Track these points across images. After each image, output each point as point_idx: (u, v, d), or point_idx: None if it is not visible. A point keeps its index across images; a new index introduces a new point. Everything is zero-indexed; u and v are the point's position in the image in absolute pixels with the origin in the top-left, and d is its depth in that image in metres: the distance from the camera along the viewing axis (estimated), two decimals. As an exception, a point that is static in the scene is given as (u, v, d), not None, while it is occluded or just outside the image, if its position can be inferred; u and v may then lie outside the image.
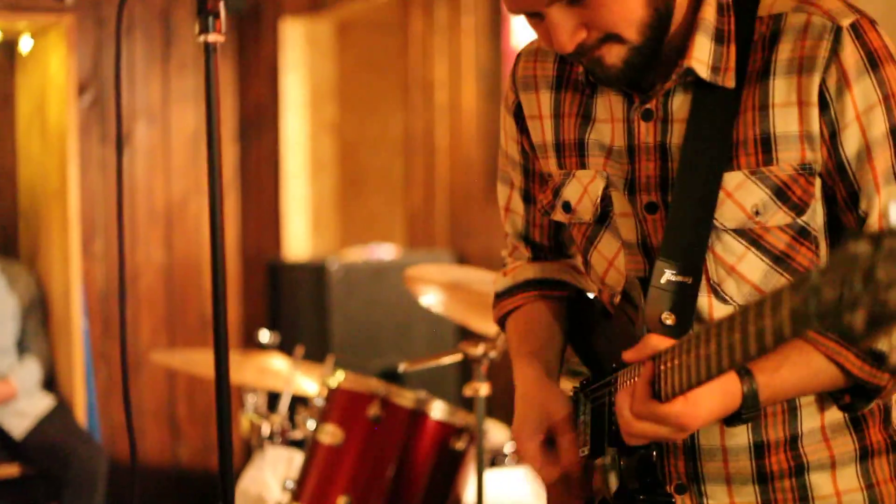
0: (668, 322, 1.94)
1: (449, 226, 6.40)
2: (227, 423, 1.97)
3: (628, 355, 1.88)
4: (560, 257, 2.38)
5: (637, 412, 1.83)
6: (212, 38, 1.91)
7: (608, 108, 2.09)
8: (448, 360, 3.77)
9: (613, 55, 1.93)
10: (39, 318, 6.38)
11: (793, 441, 2.03)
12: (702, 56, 1.97)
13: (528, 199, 2.33)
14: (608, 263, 2.14)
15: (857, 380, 1.91)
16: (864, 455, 2.05)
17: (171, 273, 7.41)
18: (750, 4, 2.00)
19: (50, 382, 6.32)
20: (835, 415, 2.03)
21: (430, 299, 4.06)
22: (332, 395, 3.82)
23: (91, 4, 6.93)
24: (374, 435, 3.76)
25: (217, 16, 1.91)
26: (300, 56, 7.49)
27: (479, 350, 3.63)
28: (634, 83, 2.02)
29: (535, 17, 1.94)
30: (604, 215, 2.11)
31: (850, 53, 1.89)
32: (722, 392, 1.84)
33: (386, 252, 6.47)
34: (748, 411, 1.87)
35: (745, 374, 1.86)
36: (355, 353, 5.90)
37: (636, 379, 1.86)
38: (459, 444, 3.77)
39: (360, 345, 6.05)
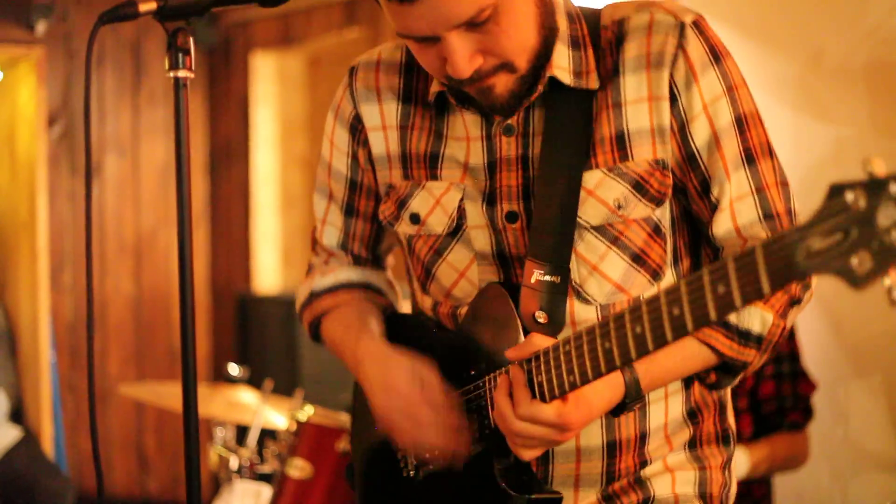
0: (541, 320, 1.98)
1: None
2: (196, 457, 1.97)
3: (510, 353, 1.89)
4: (377, 269, 2.39)
5: (520, 414, 1.85)
6: (182, 73, 1.91)
7: (462, 126, 2.11)
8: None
9: (502, 84, 1.96)
10: (7, 349, 6.35)
11: (642, 439, 2.09)
12: (562, 63, 2.02)
13: (349, 211, 2.32)
14: (459, 275, 2.14)
15: (726, 358, 1.98)
16: (694, 442, 2.14)
17: (140, 305, 7.39)
18: (593, 14, 2.08)
19: (17, 414, 6.28)
20: (674, 412, 2.11)
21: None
22: (301, 429, 3.81)
23: (61, 36, 6.93)
24: (343, 469, 3.76)
25: (187, 52, 1.91)
26: (271, 90, 7.50)
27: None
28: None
29: (428, 42, 1.92)
30: (457, 227, 2.12)
31: (695, 48, 1.99)
32: (606, 385, 1.89)
33: (355, 285, 6.46)
34: (632, 399, 1.93)
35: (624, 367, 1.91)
36: (325, 387, 5.89)
37: (511, 382, 1.89)
38: (428, 479, 3.77)
39: (329, 378, 6.03)
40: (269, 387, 4.31)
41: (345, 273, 2.34)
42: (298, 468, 3.78)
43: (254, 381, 4.79)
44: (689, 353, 1.97)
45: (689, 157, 2.01)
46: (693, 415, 2.13)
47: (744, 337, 1.97)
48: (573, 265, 2.02)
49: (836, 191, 1.34)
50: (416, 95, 2.18)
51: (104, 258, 7.30)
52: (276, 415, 4.43)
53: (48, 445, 6.23)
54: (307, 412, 3.83)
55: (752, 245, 1.47)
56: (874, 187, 1.30)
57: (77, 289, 7.14)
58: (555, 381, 1.82)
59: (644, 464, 2.10)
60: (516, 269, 2.08)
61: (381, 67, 2.24)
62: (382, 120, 2.21)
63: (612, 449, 2.08)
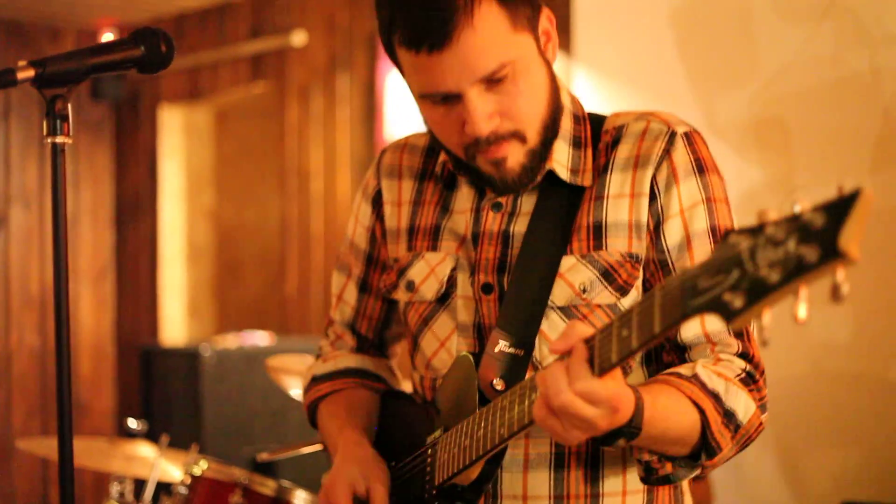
0: (499, 388, 2.00)
1: (323, 313, 6.43)
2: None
3: (556, 345, 1.76)
4: (380, 355, 2.46)
5: (577, 389, 1.71)
6: (60, 139, 1.94)
7: (463, 200, 2.20)
8: (308, 449, 3.79)
9: (514, 157, 2.04)
10: None
11: (594, 499, 2.08)
12: (561, 159, 2.11)
13: (363, 288, 2.40)
14: (440, 345, 2.20)
15: (708, 433, 1.92)
16: None
17: (45, 358, 7.34)
18: (598, 120, 2.18)
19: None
20: (634, 483, 2.09)
21: (296, 389, 4.09)
22: (195, 483, 3.82)
23: (-34, 89, 6.90)
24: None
25: (66, 118, 1.94)
26: (178, 143, 7.52)
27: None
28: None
29: (449, 102, 2.01)
30: (445, 295, 2.18)
31: (681, 155, 2.07)
32: (627, 389, 1.80)
33: (260, 339, 6.48)
34: (636, 425, 1.81)
35: (634, 389, 1.84)
36: (227, 441, 5.89)
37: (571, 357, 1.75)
38: (323, 532, 3.78)
39: (232, 432, 6.04)
40: (166, 441, 4.31)
41: (344, 360, 2.41)
42: (192, 522, 3.78)
43: (156, 435, 4.78)
44: (682, 408, 1.91)
45: (659, 256, 2.06)
46: (651, 492, 2.12)
47: (727, 416, 1.93)
48: (537, 342, 2.06)
49: (726, 235, 1.44)
50: (431, 174, 2.28)
51: (9, 310, 7.26)
52: (174, 469, 4.42)
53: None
54: (201, 466, 3.84)
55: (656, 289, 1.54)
56: (755, 231, 1.38)
57: (-20, 342, 7.09)
58: (598, 357, 1.72)
59: None
60: (493, 330, 2.09)
61: (406, 148, 2.34)
62: (399, 196, 2.30)
63: (559, 501, 2.08)
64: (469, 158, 2.08)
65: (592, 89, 4.90)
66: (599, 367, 1.69)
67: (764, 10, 4.37)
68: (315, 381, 2.42)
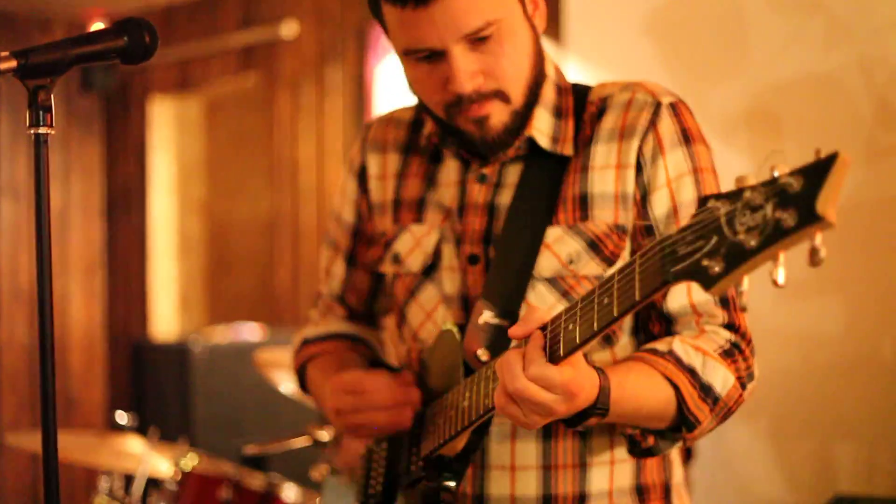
0: (484, 358, 2.00)
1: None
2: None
3: (515, 330, 1.80)
4: (370, 326, 2.46)
5: (531, 374, 1.75)
6: (42, 130, 1.93)
7: (449, 173, 2.20)
8: (296, 443, 3.79)
9: (497, 116, 2.03)
10: None
11: (581, 500, 2.08)
12: (542, 127, 2.11)
13: (351, 261, 2.40)
14: (426, 316, 2.20)
15: (684, 407, 1.95)
16: None
17: (35, 352, 7.31)
18: (583, 91, 2.18)
19: None
20: (621, 482, 2.10)
21: (285, 382, 4.09)
22: (185, 478, 3.81)
23: (-45, 81, 6.89)
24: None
25: (48, 109, 1.93)
26: (168, 134, 7.50)
27: (325, 434, 3.66)
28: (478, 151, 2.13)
29: (433, 59, 2.00)
30: (431, 267, 2.19)
31: (667, 126, 2.05)
32: (589, 373, 1.81)
33: (251, 332, 6.47)
34: (602, 406, 1.84)
35: (599, 371, 1.86)
36: (217, 434, 5.88)
37: (527, 344, 1.79)
38: (313, 526, 3.78)
39: (223, 426, 6.03)
40: (155, 435, 4.30)
41: (335, 325, 2.41)
42: (181, 517, 3.77)
43: (146, 429, 4.77)
44: (655, 386, 1.94)
45: (646, 227, 2.05)
46: (641, 492, 2.12)
47: (704, 391, 1.96)
48: (522, 313, 2.05)
49: (703, 201, 1.43)
50: (417, 147, 2.28)
51: (-2, 304, 7.25)
52: (163, 463, 4.41)
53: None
54: (191, 461, 3.83)
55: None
56: (733, 197, 1.38)
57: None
58: (556, 343, 1.75)
59: None
60: (477, 302, 2.10)
61: (391, 122, 2.35)
62: (385, 169, 2.30)
63: (547, 502, 2.08)
64: (449, 118, 2.07)
65: (583, 80, 4.88)
66: (565, 347, 1.71)
67: (755, 1, 4.36)
68: (305, 343, 2.42)
